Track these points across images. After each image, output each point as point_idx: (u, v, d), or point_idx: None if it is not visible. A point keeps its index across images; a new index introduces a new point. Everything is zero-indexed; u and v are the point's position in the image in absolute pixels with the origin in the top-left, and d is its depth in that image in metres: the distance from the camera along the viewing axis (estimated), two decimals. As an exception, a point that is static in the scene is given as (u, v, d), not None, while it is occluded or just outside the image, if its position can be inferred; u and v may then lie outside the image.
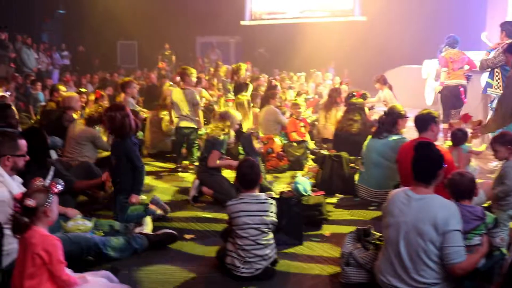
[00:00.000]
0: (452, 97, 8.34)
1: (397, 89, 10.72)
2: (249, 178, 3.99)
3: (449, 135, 5.90)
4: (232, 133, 6.15)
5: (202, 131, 7.86)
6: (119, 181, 5.08)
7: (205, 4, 21.09)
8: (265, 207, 3.92)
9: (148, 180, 6.63)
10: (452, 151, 5.43)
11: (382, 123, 6.03)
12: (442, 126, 6.87)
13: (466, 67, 8.44)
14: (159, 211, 5.19)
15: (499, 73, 7.23)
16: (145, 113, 8.66)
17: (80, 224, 4.31)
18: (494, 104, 7.05)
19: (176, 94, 7.62)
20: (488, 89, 7.64)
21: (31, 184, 3.30)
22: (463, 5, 15.87)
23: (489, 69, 7.48)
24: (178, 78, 8.42)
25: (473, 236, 3.47)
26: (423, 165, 3.44)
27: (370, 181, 5.96)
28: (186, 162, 7.73)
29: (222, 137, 6.00)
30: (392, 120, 5.96)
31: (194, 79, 7.78)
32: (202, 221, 5.33)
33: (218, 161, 5.96)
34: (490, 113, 7.28)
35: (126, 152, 5.02)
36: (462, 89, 8.25)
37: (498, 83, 7.24)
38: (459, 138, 5.56)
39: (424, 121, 5.14)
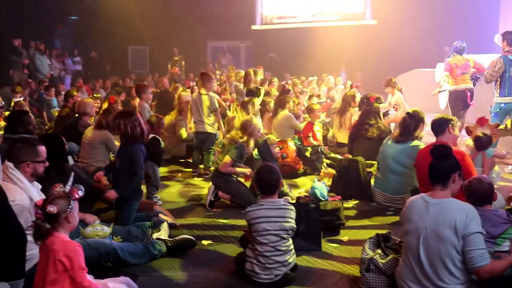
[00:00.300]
0: (460, 101, 8.78)
1: (410, 93, 10.69)
2: (268, 184, 3.97)
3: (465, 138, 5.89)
4: (252, 142, 6.10)
5: (220, 136, 7.87)
6: (121, 186, 4.93)
7: (216, 9, 21.15)
8: (284, 213, 3.90)
9: (163, 185, 6.63)
10: (476, 156, 5.41)
11: (404, 126, 5.96)
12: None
13: (473, 70, 8.83)
14: (170, 220, 5.15)
15: (498, 80, 7.62)
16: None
17: (99, 230, 4.31)
18: (493, 109, 7.63)
19: (195, 99, 7.62)
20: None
21: (51, 190, 3.30)
22: (476, 7, 15.78)
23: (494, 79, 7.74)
24: (192, 83, 8.40)
25: (502, 242, 3.44)
26: (439, 166, 3.41)
27: (387, 187, 5.93)
28: (201, 167, 7.72)
29: (238, 146, 5.97)
30: (415, 124, 5.94)
31: (214, 85, 7.76)
32: (219, 226, 5.32)
33: (230, 168, 5.94)
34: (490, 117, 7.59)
35: (131, 156, 4.87)
36: (469, 93, 8.72)
37: (497, 90, 7.66)
38: (483, 143, 5.53)
39: (440, 124, 5.18)
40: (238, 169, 6.01)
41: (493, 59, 7.84)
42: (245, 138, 6.03)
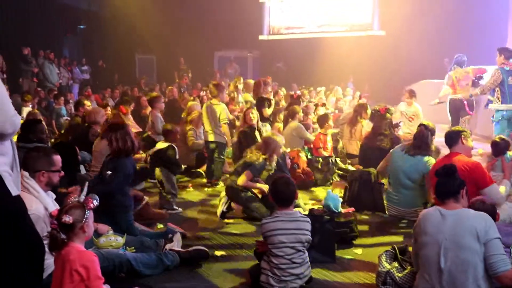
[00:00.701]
0: (457, 110, 9.34)
1: (418, 103, 10.63)
2: (285, 196, 3.94)
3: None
4: (275, 159, 6.05)
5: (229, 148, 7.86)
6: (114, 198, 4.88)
7: (223, 19, 21.23)
8: (300, 225, 3.87)
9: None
10: (495, 162, 5.38)
11: (422, 139, 5.87)
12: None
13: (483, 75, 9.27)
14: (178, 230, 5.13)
15: (498, 90, 7.97)
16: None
17: (112, 240, 4.29)
18: (495, 118, 8.00)
19: (206, 109, 7.62)
20: (489, 105, 8.52)
21: (66, 200, 3.29)
22: (484, 18, 15.77)
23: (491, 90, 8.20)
24: (202, 93, 8.40)
25: None
26: (448, 182, 3.45)
27: (399, 201, 5.90)
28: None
29: (260, 161, 5.95)
30: (431, 136, 5.92)
31: (225, 95, 7.76)
32: (232, 237, 5.29)
33: (249, 182, 5.91)
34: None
35: (123, 169, 4.88)
36: (465, 102, 9.15)
37: (498, 99, 8.00)
38: (501, 147, 5.51)
39: (453, 136, 5.22)
40: (257, 184, 5.98)
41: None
42: (267, 155, 5.99)
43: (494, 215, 3.65)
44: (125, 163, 4.93)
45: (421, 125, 6.04)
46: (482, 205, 3.74)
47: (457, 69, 9.44)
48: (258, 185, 5.99)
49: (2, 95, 2.62)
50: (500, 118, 7.88)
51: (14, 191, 2.76)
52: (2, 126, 2.57)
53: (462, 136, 5.16)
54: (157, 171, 6.29)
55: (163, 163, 6.25)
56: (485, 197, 4.10)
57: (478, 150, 8.22)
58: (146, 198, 5.86)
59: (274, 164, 6.06)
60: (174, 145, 6.32)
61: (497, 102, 7.98)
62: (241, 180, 5.86)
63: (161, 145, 6.44)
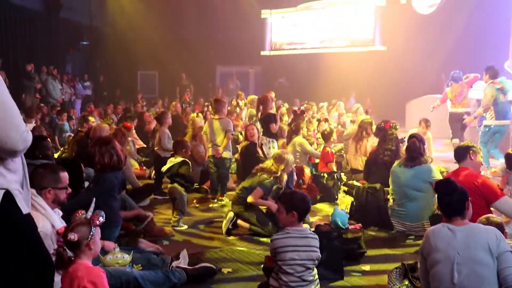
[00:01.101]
0: (458, 122, 10.11)
1: (421, 117, 10.63)
2: (299, 212, 3.89)
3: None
4: (285, 177, 6.02)
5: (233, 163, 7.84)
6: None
7: (225, 34, 21.35)
8: (311, 242, 3.82)
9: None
10: (510, 176, 5.36)
11: (415, 149, 5.94)
12: (452, 141, 10.06)
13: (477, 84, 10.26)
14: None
15: (491, 108, 8.91)
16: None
17: (119, 257, 4.24)
18: (482, 129, 9.13)
19: (210, 123, 7.64)
20: (483, 121, 9.39)
21: (73, 217, 3.26)
22: (486, 33, 15.82)
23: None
24: (205, 109, 8.41)
25: None
26: (452, 202, 3.42)
27: (405, 215, 5.85)
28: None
29: (271, 179, 5.93)
30: (423, 147, 6.01)
31: (225, 110, 7.81)
32: (239, 254, 5.23)
33: (259, 200, 5.89)
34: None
35: (103, 183, 4.90)
36: (466, 116, 9.97)
37: (491, 115, 8.90)
38: None
39: (461, 152, 5.23)
40: (265, 201, 5.95)
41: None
42: (279, 173, 5.96)
43: (501, 232, 3.62)
44: (108, 177, 4.93)
45: (412, 137, 6.15)
46: (488, 223, 3.73)
47: (453, 85, 10.26)
48: (267, 202, 5.96)
49: (13, 111, 2.59)
50: (487, 130, 8.92)
51: (25, 210, 2.72)
52: (14, 143, 2.53)
53: (471, 151, 5.17)
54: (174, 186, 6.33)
55: (177, 180, 6.27)
56: (491, 215, 4.05)
57: (491, 168, 8.30)
58: (151, 215, 5.82)
59: (284, 182, 6.01)
60: (187, 160, 6.33)
61: (491, 119, 8.85)
62: (251, 197, 5.83)
63: (174, 160, 6.45)
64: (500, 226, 3.71)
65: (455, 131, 10.18)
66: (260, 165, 6.16)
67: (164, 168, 6.54)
